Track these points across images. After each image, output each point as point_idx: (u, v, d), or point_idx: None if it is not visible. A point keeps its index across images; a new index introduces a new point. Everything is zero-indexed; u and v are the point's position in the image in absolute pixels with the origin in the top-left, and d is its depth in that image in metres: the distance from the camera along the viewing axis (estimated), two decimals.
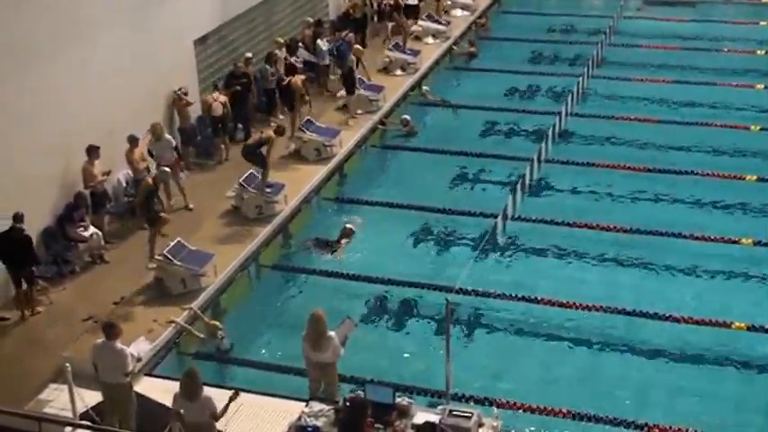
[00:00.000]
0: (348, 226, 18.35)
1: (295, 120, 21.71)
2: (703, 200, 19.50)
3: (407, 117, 23.30)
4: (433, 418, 11.79)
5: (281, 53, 23.32)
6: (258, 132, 19.50)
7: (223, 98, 20.92)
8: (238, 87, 21.23)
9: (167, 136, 18.89)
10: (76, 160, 17.18)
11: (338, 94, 23.65)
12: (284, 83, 21.99)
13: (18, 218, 15.19)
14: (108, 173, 17.65)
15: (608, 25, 27.26)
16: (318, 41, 24.48)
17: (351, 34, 25.89)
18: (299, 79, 21.94)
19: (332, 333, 12.73)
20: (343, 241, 18.09)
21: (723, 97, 24.40)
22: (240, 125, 21.69)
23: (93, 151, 17.24)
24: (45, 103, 16.61)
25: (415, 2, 29.21)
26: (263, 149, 18.59)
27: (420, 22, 28.44)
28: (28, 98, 16.26)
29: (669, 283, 16.92)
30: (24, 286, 15.64)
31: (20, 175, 16.02)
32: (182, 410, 11.64)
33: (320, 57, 24.35)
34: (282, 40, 23.77)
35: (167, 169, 17.11)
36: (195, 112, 21.17)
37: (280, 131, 19.28)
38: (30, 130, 16.29)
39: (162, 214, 17.05)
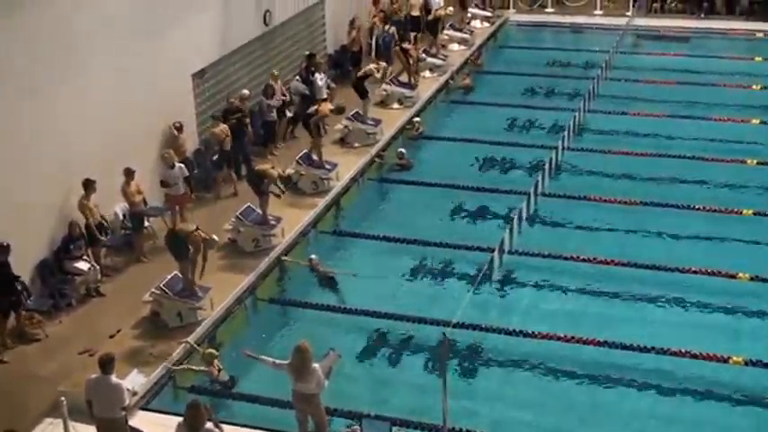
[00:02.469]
0: (312, 257, 18.38)
1: (319, 148, 21.66)
2: (700, 234, 19.49)
3: (402, 150, 23.37)
4: None
5: (277, 85, 23.39)
6: (270, 163, 19.49)
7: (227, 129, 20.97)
8: (233, 121, 21.27)
9: (179, 164, 18.92)
10: (74, 192, 17.18)
11: (336, 127, 23.70)
12: (308, 113, 21.84)
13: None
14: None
15: (604, 60, 27.37)
16: (316, 75, 24.54)
17: (393, 27, 26.63)
18: (326, 107, 21.84)
19: (316, 365, 12.71)
20: (321, 269, 18.16)
21: (719, 132, 24.45)
22: (240, 160, 21.66)
23: (89, 185, 17.25)
24: (43, 134, 16.66)
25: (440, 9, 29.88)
26: (265, 182, 18.70)
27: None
28: (26, 129, 16.31)
29: (666, 317, 16.90)
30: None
31: (16, 207, 16.05)
32: None
33: (317, 91, 24.43)
34: (277, 73, 23.86)
35: (215, 237, 16.78)
36: (193, 144, 21.23)
37: (286, 179, 19.67)
38: (27, 161, 16.32)
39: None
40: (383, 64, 25.67)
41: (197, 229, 16.21)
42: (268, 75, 23.99)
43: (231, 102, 21.56)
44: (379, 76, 24.74)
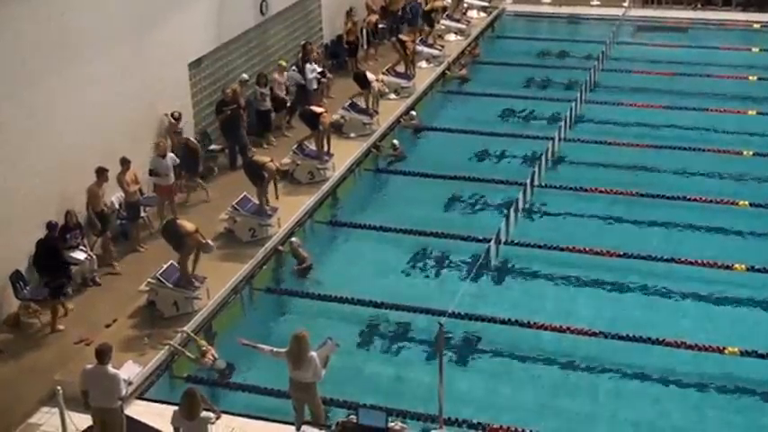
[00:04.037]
0: (292, 240, 18.46)
1: (319, 140, 21.45)
2: (696, 225, 19.51)
3: (396, 141, 23.37)
4: None
5: (282, 78, 23.30)
6: (268, 156, 19.36)
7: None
8: (228, 112, 21.25)
9: (170, 154, 18.87)
10: (71, 183, 17.15)
11: (332, 117, 23.62)
12: (314, 111, 21.43)
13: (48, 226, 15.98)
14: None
15: (601, 51, 27.35)
16: (307, 66, 24.42)
17: None
18: (328, 120, 21.48)
19: (313, 353, 12.74)
20: (301, 253, 18.21)
21: (716, 122, 24.47)
22: (237, 149, 21.68)
23: (101, 173, 17.26)
24: (40, 125, 16.63)
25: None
26: (266, 173, 18.67)
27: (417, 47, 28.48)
28: (22, 121, 16.26)
29: (662, 307, 16.93)
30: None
31: (13, 197, 16.04)
32: (180, 429, 11.84)
33: (308, 82, 24.31)
34: (285, 64, 23.81)
35: (212, 243, 16.79)
36: (189, 134, 21.19)
37: (283, 174, 19.71)
38: (24, 152, 16.29)
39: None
40: (383, 82, 25.51)
41: (197, 230, 16.21)
42: (264, 64, 23.99)
43: (227, 93, 21.53)
44: (377, 89, 24.55)
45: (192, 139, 20.52)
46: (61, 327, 15.86)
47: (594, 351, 15.61)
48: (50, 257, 15.87)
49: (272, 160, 19.00)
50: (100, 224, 17.52)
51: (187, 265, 16.24)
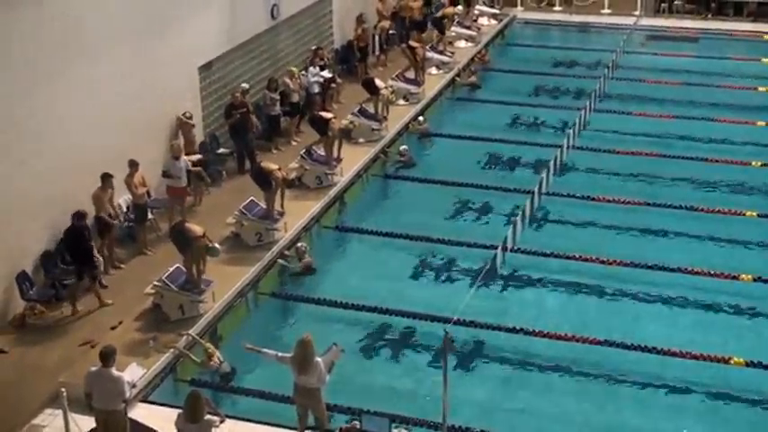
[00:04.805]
0: (299, 245, 18.47)
1: (329, 145, 21.41)
2: (703, 235, 19.47)
3: (405, 147, 23.36)
4: None
5: (293, 83, 23.30)
6: (276, 165, 19.23)
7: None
8: (238, 116, 21.27)
9: (184, 157, 18.90)
10: (78, 184, 17.15)
11: (342, 121, 23.63)
12: (323, 117, 21.45)
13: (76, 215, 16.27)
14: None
15: (611, 59, 27.33)
16: (309, 69, 24.34)
17: None
18: (337, 125, 21.47)
19: (318, 359, 12.73)
20: (307, 258, 18.24)
21: (724, 133, 24.44)
22: (245, 154, 21.71)
23: (106, 179, 17.26)
24: (48, 126, 16.66)
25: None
26: (273, 182, 18.69)
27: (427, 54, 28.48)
28: (30, 121, 16.29)
29: (668, 316, 16.89)
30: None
31: (21, 198, 16.07)
32: None
33: (309, 86, 24.18)
34: (296, 70, 23.81)
35: (219, 246, 16.81)
36: (198, 137, 21.23)
37: (289, 183, 19.48)
38: (31, 154, 16.31)
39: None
40: (392, 88, 25.52)
41: (204, 234, 16.21)
42: (275, 69, 23.99)
43: (236, 96, 21.54)
44: (386, 96, 24.50)
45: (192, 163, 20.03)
46: (109, 301, 16.39)
47: (601, 360, 15.56)
48: (77, 243, 16.10)
49: (279, 168, 18.94)
50: (104, 229, 17.51)
51: (193, 268, 16.26)
